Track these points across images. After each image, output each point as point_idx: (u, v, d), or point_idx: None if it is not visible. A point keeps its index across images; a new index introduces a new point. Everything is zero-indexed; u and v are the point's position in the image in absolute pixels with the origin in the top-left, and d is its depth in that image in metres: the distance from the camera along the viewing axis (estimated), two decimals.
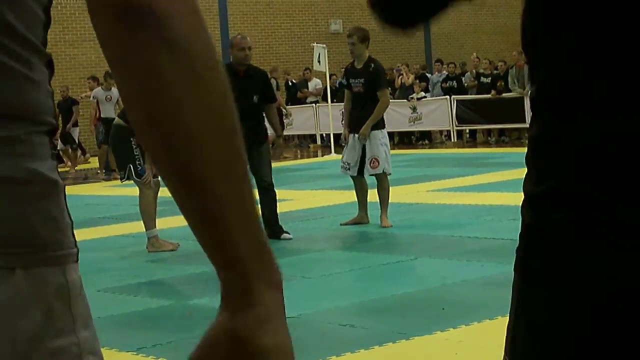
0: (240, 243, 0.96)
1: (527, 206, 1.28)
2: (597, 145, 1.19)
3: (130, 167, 8.62)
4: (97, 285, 7.21)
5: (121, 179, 9.03)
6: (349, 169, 9.48)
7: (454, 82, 22.72)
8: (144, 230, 8.90)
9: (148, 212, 8.71)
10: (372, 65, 9.43)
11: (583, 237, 1.19)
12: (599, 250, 1.18)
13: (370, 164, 9.33)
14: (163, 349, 5.48)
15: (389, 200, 9.44)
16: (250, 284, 0.97)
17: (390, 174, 9.50)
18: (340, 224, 9.54)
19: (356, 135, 9.37)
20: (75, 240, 1.16)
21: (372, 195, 9.45)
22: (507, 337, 1.31)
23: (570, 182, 1.21)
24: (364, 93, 9.36)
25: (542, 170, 1.25)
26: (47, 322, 1.10)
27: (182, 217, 0.99)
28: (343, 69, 10.99)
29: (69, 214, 1.16)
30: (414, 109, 21.92)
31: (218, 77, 1.00)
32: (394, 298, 6.40)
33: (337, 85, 21.48)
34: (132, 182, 8.87)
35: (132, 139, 8.48)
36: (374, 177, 9.48)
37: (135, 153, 8.60)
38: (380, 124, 9.43)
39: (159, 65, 0.95)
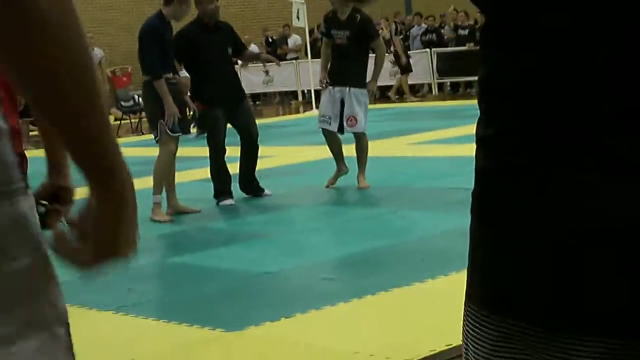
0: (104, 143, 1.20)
1: (479, 149, 1.27)
2: (535, 84, 1.18)
3: (161, 123, 8.17)
4: None
5: (155, 138, 8.48)
6: (329, 123, 9.12)
7: (434, 35, 22.65)
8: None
9: (159, 175, 8.32)
10: (359, 16, 9.03)
11: (532, 178, 1.19)
12: (548, 191, 1.18)
13: (347, 121, 9.05)
14: (142, 307, 5.49)
15: (368, 155, 9.25)
16: (110, 169, 1.21)
17: (365, 134, 9.19)
18: (325, 187, 9.23)
19: (336, 89, 9.08)
20: (26, 175, 1.25)
21: (349, 151, 9.31)
22: (466, 281, 1.31)
23: (516, 125, 1.20)
24: (348, 46, 8.97)
25: (491, 112, 1.25)
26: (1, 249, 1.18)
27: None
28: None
29: (15, 153, 1.23)
30: (394, 62, 21.85)
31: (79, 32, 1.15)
32: (373, 251, 6.41)
33: (321, 34, 21.32)
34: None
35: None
36: (349, 133, 9.21)
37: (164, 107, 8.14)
38: (362, 82, 9.12)
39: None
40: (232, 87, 8.93)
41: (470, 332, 1.29)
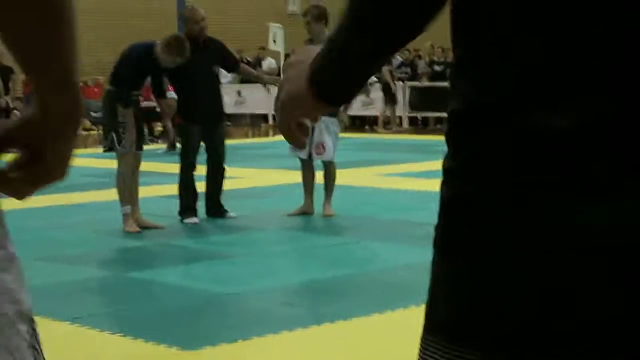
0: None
1: (444, 181, 1.28)
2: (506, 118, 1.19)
3: (112, 135, 8.20)
4: (37, 253, 7.11)
5: (104, 149, 8.51)
6: (300, 150, 8.90)
7: (408, 68, 22.74)
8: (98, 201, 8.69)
9: (122, 187, 8.28)
10: None
11: (498, 205, 1.19)
12: (515, 217, 1.18)
13: (315, 149, 8.99)
14: (98, 320, 5.43)
15: (335, 183, 9.21)
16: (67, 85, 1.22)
17: (333, 163, 9.14)
18: (287, 215, 9.12)
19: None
20: None
21: (320, 177, 9.30)
22: (425, 313, 1.30)
23: (483, 154, 1.21)
24: None
25: (458, 144, 1.25)
26: None
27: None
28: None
29: None
30: (367, 93, 21.89)
31: None
32: (334, 279, 6.39)
33: None
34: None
35: (118, 105, 8.18)
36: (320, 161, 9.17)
37: (120, 120, 8.16)
38: (333, 111, 8.91)
39: None
40: (214, 106, 8.97)
41: None
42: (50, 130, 1.22)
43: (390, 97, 21.83)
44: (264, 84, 10.02)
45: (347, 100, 1.40)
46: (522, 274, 1.18)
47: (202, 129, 8.82)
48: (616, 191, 1.15)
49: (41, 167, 1.24)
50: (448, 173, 1.27)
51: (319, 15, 8.87)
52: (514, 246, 1.18)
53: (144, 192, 8.58)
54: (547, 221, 1.16)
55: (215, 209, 9.03)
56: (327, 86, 1.34)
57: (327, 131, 9.04)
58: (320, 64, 1.33)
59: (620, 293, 1.16)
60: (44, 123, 1.22)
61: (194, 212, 8.83)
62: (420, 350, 1.30)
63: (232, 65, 9.47)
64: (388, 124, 22.19)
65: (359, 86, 1.36)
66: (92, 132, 18.59)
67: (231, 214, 9.04)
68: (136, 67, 8.27)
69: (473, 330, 1.22)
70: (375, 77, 22.29)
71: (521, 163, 1.18)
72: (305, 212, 9.18)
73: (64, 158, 1.25)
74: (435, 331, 1.27)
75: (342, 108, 9.23)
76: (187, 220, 8.75)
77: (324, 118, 8.96)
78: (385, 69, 21.58)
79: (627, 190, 1.15)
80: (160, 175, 10.81)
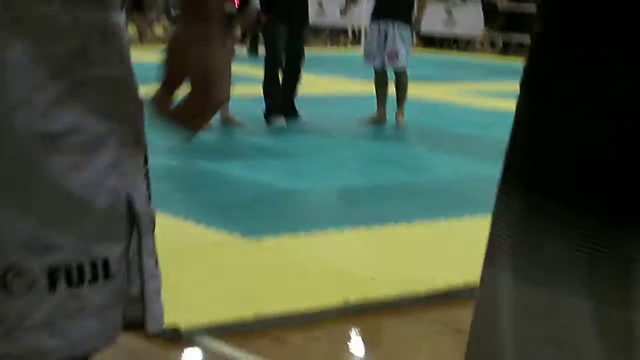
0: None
1: (539, 19, 1.22)
2: None
3: None
4: None
5: None
6: (374, 58, 8.98)
7: None
8: None
9: None
10: None
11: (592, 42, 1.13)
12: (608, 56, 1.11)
13: (387, 55, 8.89)
14: (162, 204, 5.46)
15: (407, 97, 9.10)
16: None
17: (406, 72, 9.06)
18: (360, 122, 9.02)
19: (381, 23, 8.93)
20: None
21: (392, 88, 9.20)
22: (507, 149, 1.25)
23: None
24: None
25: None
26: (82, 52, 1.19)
27: None
28: None
29: None
30: (450, 12, 21.52)
31: None
32: (402, 185, 6.34)
33: None
34: None
35: None
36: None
37: None
38: (407, 18, 8.99)
39: None
40: (300, 6, 8.91)
41: (502, 209, 1.23)
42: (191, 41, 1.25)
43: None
44: None
45: None
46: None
47: (287, 29, 8.74)
48: None
49: (205, 94, 1.25)
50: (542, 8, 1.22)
51: None
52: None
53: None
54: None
55: (289, 110, 8.97)
56: None
57: (400, 38, 8.93)
58: None
59: None
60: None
61: (281, 113, 8.78)
62: (497, 195, 1.26)
63: None
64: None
65: None
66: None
67: (302, 116, 9.00)
68: None
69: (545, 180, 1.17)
70: None
71: None
72: (378, 121, 9.11)
73: (222, 76, 1.26)
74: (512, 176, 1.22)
75: (415, 16, 9.14)
76: (275, 122, 8.70)
77: (397, 25, 8.89)
78: None
79: None
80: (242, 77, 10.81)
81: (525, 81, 1.22)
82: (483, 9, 20.40)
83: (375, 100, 9.14)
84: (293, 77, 8.96)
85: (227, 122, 8.45)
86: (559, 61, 1.16)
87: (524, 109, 1.22)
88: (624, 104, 1.10)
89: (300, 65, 8.98)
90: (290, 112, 8.98)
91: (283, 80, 8.99)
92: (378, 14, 9.06)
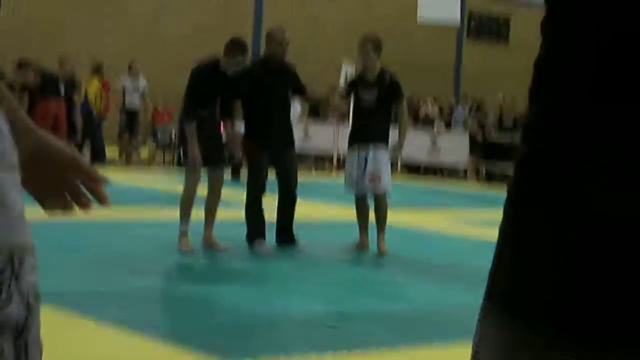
0: None
1: (523, 141, 1.26)
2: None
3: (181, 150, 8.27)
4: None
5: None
6: (354, 185, 8.99)
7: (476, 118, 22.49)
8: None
9: (182, 203, 8.34)
10: (388, 77, 8.93)
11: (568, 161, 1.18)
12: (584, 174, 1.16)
13: (369, 179, 8.86)
14: (148, 326, 5.44)
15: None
16: None
17: (390, 195, 9.07)
18: (343, 249, 9.04)
19: (360, 149, 8.87)
20: None
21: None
22: (491, 268, 1.27)
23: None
24: (375, 106, 8.85)
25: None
26: None
27: None
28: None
29: None
30: (434, 142, 21.73)
31: None
32: (385, 312, 6.36)
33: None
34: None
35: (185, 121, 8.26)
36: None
37: (185, 136, 8.24)
38: (386, 141, 8.98)
39: None
40: (284, 132, 8.84)
41: (484, 331, 1.25)
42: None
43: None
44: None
45: None
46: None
47: (271, 155, 8.71)
48: None
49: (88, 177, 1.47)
50: (526, 130, 1.26)
51: (377, 46, 8.92)
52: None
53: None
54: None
55: (286, 237, 8.88)
56: None
57: (381, 161, 8.91)
58: None
59: None
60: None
61: (263, 238, 8.65)
62: (480, 315, 1.27)
63: (302, 91, 9.26)
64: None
65: None
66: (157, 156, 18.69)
67: (301, 242, 8.89)
68: (201, 81, 8.27)
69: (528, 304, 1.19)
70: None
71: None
72: (361, 248, 9.09)
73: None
74: (495, 298, 1.25)
75: (395, 143, 9.14)
76: (257, 247, 8.58)
77: (377, 147, 8.86)
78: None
79: None
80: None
81: (510, 202, 1.25)
82: (470, 138, 20.65)
83: (358, 229, 9.13)
84: (287, 205, 8.86)
85: (209, 246, 8.46)
86: (543, 180, 1.20)
87: (507, 228, 1.25)
88: (605, 222, 1.14)
89: (294, 190, 8.88)
90: (287, 238, 8.88)
91: (279, 204, 8.92)
92: (356, 138, 9.02)
